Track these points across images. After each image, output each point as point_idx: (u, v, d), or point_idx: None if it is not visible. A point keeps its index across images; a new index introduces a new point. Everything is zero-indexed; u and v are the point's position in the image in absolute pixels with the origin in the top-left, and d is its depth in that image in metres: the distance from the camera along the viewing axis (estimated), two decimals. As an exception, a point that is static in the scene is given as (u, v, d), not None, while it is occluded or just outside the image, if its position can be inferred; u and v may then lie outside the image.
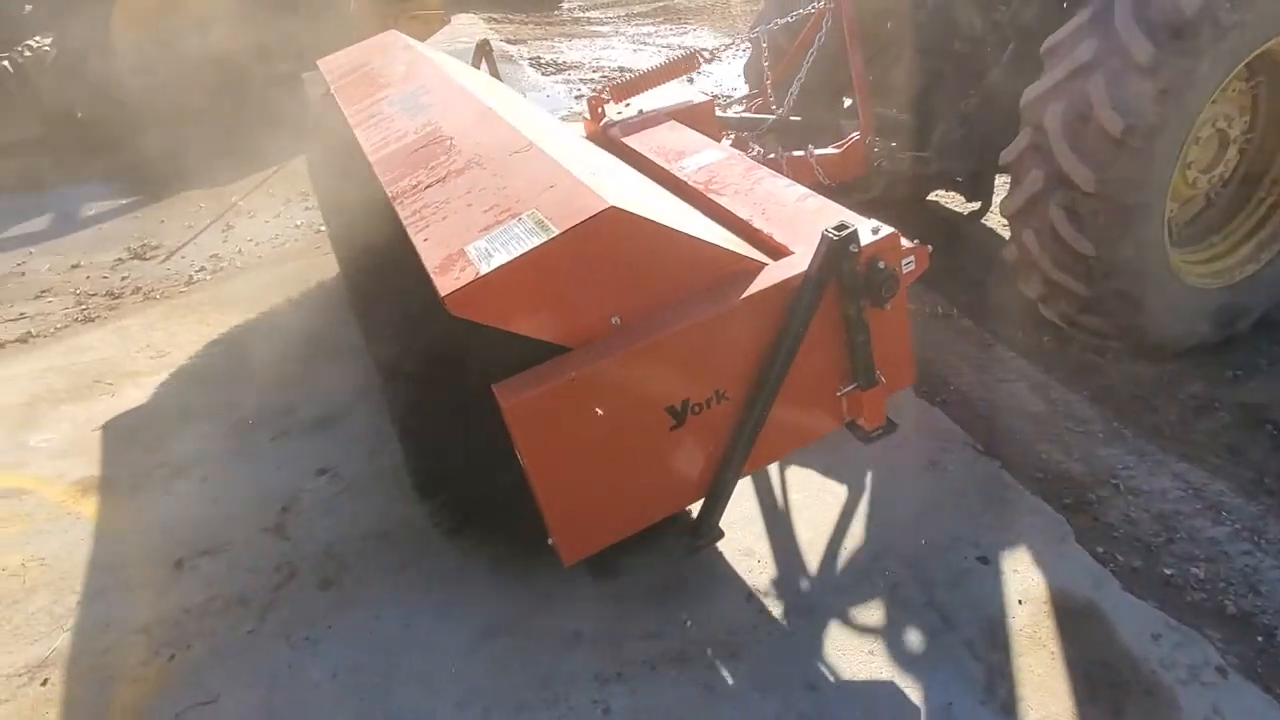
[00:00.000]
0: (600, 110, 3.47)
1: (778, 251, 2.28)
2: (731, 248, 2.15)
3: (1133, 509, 2.66)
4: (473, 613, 2.42)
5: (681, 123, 3.33)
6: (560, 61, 8.92)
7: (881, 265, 2.14)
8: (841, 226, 2.05)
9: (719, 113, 3.97)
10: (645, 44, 9.65)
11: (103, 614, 2.52)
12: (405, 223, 2.27)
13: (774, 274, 2.13)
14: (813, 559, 2.54)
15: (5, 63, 6.42)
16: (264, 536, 2.74)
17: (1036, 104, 3.04)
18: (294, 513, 2.85)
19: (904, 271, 2.23)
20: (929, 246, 2.30)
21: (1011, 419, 3.10)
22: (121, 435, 3.34)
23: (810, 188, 2.63)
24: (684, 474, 2.18)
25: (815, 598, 2.41)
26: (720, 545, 2.57)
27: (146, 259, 4.96)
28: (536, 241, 1.92)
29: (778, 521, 2.68)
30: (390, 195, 2.46)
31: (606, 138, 3.30)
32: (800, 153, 3.71)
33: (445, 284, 1.90)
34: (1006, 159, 3.16)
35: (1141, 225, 2.96)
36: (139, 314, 4.33)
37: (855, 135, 3.72)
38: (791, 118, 3.95)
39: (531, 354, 1.95)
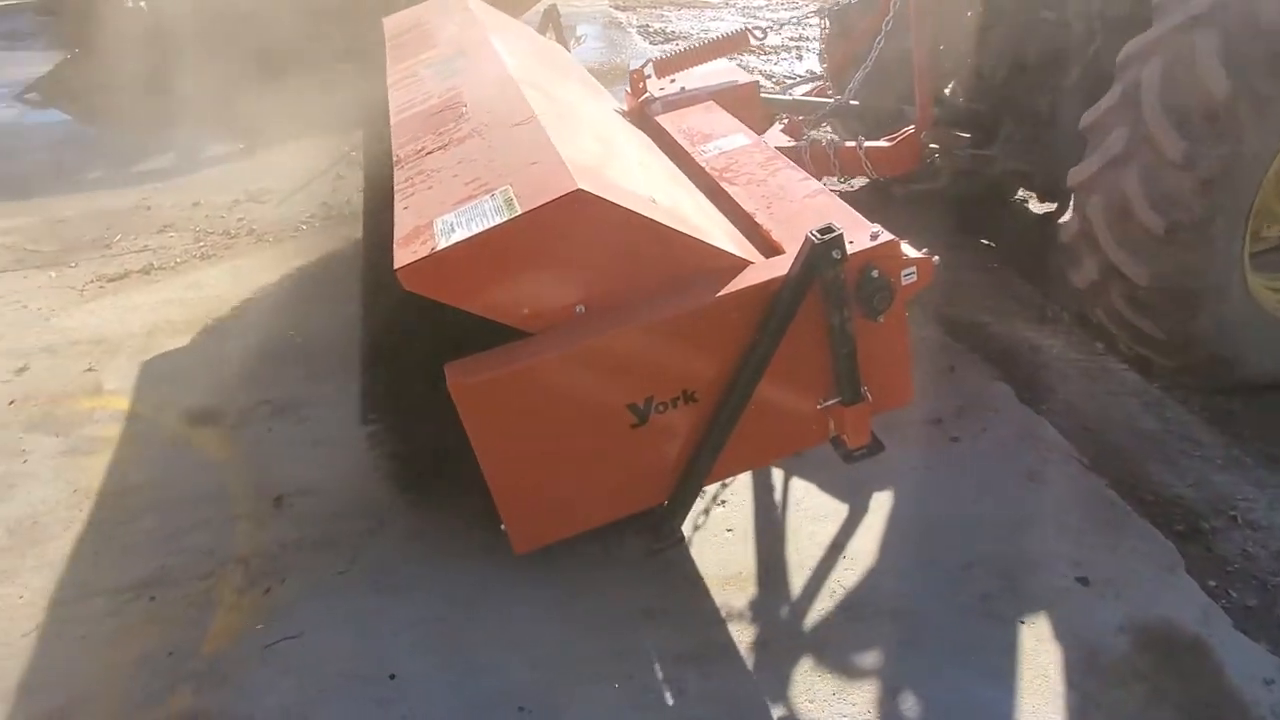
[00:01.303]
0: (641, 85, 3.38)
1: (772, 249, 2.16)
2: (713, 242, 2.03)
3: (1250, 543, 2.50)
4: (551, 579, 2.44)
5: (722, 103, 3.19)
6: (669, 30, 8.83)
7: (875, 274, 2.00)
8: (827, 229, 1.89)
9: (780, 95, 3.86)
10: (756, 16, 9.45)
11: (205, 542, 2.64)
12: (396, 189, 2.22)
13: (755, 274, 2.02)
14: (900, 560, 2.47)
15: (142, 3, 6.69)
16: (360, 482, 2.82)
17: (1080, 191, 2.89)
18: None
19: (903, 283, 2.07)
20: (935, 258, 2.14)
21: (1121, 435, 2.95)
22: (229, 371, 3.47)
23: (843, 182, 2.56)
24: (646, 474, 2.11)
25: (901, 601, 2.35)
26: (805, 537, 2.54)
27: (261, 202, 5.14)
28: (497, 220, 1.84)
29: (863, 519, 2.62)
30: (395, 160, 2.42)
31: (643, 115, 3.21)
32: (851, 143, 3.57)
33: (402, 257, 1.87)
34: (1064, 238, 3.02)
35: (1213, 258, 2.76)
36: (251, 255, 4.49)
37: (910, 128, 3.55)
38: (852, 102, 3.77)
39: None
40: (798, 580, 2.42)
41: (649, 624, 2.30)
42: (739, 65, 5.57)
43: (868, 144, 3.53)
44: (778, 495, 2.72)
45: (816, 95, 4.09)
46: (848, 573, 2.43)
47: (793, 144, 3.64)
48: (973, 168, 3.76)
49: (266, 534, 2.66)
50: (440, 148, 2.35)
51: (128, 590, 2.48)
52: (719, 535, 2.58)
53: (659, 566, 2.47)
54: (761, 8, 9.86)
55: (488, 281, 1.89)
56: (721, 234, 2.16)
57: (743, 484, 2.76)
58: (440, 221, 1.93)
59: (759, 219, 2.30)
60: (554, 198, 1.82)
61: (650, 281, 1.96)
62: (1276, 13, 2.56)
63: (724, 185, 2.51)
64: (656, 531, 2.24)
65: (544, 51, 3.62)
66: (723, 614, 2.32)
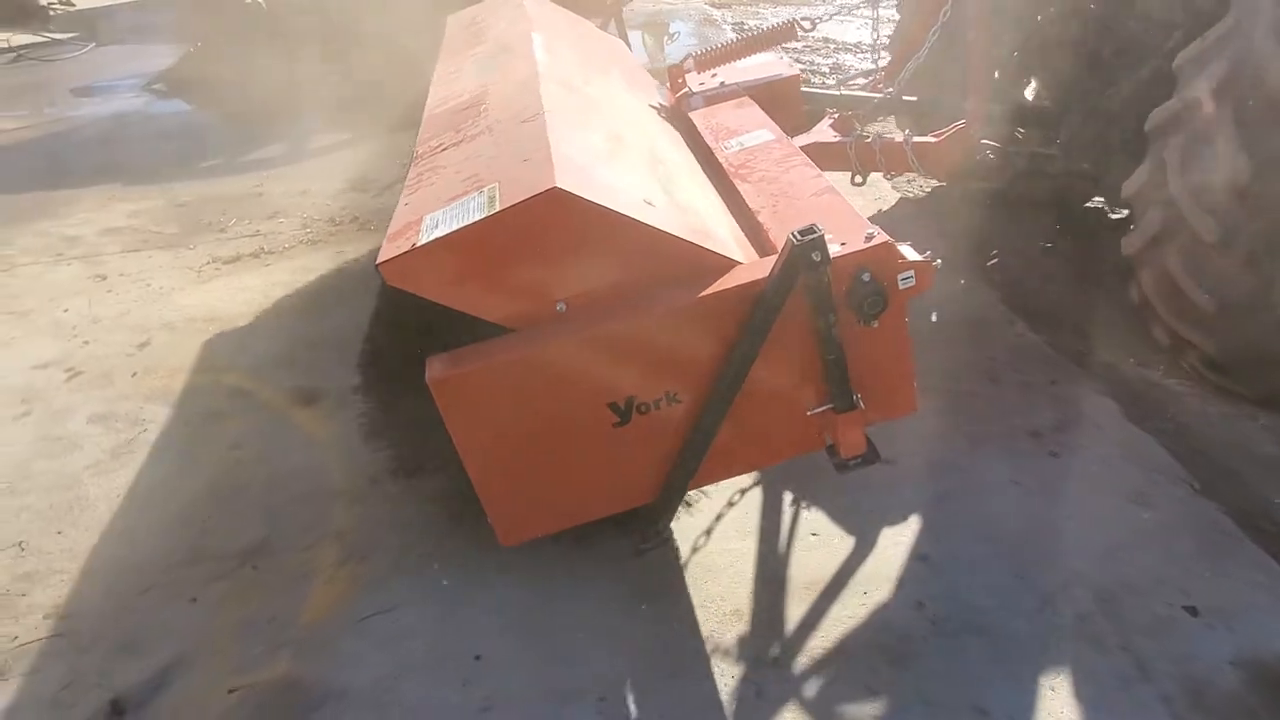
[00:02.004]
0: (681, 80, 3.32)
1: (768, 249, 2.10)
2: (700, 242, 1.97)
3: (1378, 581, 2.34)
4: (635, 576, 2.46)
5: (762, 98, 3.13)
6: (763, 28, 8.75)
7: (867, 278, 1.91)
8: (808, 230, 1.81)
9: (827, 90, 3.75)
10: (855, 15, 9.25)
11: (305, 516, 2.76)
12: (405, 184, 2.24)
13: (742, 274, 1.96)
14: (989, 575, 2.40)
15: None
16: (455, 466, 2.88)
17: (1134, 262, 2.86)
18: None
19: (900, 287, 1.96)
20: (937, 262, 2.01)
21: (1237, 459, 2.80)
22: (333, 352, 3.61)
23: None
24: (630, 474, 2.09)
25: (990, 616, 2.28)
26: (894, 545, 2.49)
27: (364, 191, 5.33)
28: (476, 217, 1.85)
29: (950, 530, 2.55)
30: (414, 155, 2.44)
31: (679, 111, 3.16)
32: (898, 138, 3.42)
33: (386, 251, 1.88)
34: (1134, 300, 2.94)
35: None
36: (355, 242, 4.66)
37: (961, 122, 3.37)
38: (905, 98, 3.61)
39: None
40: (881, 590, 2.37)
41: (736, 623, 2.30)
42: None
43: (915, 139, 3.38)
44: (860, 501, 2.68)
45: (872, 89, 3.94)
46: (932, 584, 2.38)
47: (837, 139, 3.53)
48: (1033, 168, 3.58)
49: (363, 511, 2.76)
50: (454, 144, 2.38)
51: (234, 557, 2.61)
52: (805, 539, 2.56)
53: (744, 569, 2.46)
54: (862, 5, 9.65)
55: (466, 278, 1.91)
56: (716, 234, 2.10)
57: (827, 488, 2.72)
58: (429, 218, 1.95)
59: (762, 218, 2.24)
60: (530, 195, 1.81)
61: (633, 281, 1.94)
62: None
63: (737, 182, 2.47)
64: (643, 532, 2.21)
65: (593, 48, 3.59)
66: (807, 619, 2.30)
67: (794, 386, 2.03)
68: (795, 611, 2.32)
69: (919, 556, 2.48)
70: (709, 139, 2.82)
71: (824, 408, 2.04)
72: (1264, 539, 2.47)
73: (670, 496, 2.12)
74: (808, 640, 2.24)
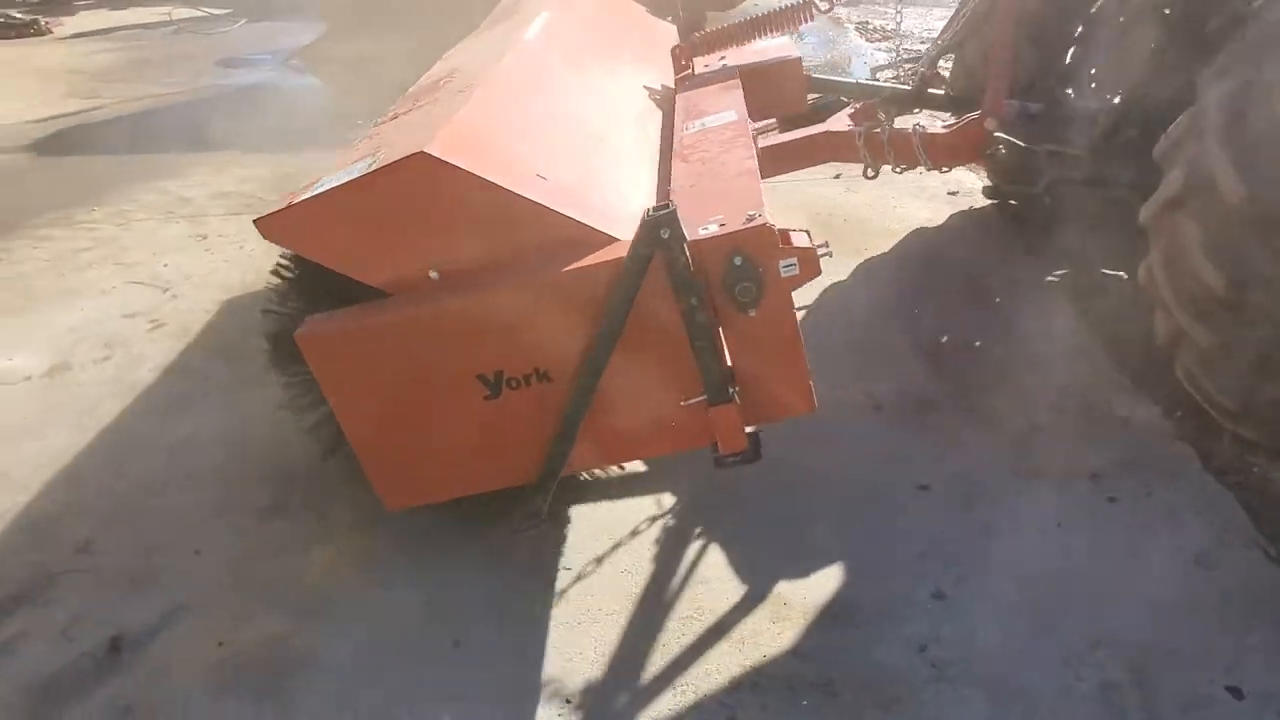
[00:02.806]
0: (685, 61, 3.22)
1: None
2: (576, 215, 1.88)
3: None
4: (628, 567, 2.39)
5: (759, 80, 3.06)
6: (888, 29, 8.41)
7: (739, 261, 1.79)
8: (662, 206, 1.74)
9: (841, 78, 3.48)
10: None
11: (332, 480, 2.82)
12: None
13: (614, 250, 1.86)
14: (1012, 623, 2.19)
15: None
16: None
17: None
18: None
19: (781, 274, 1.83)
20: (821, 251, 1.89)
21: (1331, 527, 2.45)
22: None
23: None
24: (507, 450, 2.06)
25: (1002, 668, 2.08)
26: (906, 575, 2.32)
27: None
28: (348, 178, 1.84)
29: (984, 568, 2.35)
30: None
31: (670, 93, 3.08)
32: (908, 128, 3.20)
33: (272, 208, 1.92)
34: None
35: None
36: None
37: (975, 114, 3.11)
38: (930, 90, 3.38)
39: None
40: (882, 623, 2.20)
41: (720, 641, 2.19)
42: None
43: (923, 130, 3.17)
44: (881, 526, 2.50)
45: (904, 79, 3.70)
46: (943, 624, 2.19)
47: (850, 129, 3.35)
48: (1058, 173, 3.27)
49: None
50: (403, 114, 2.39)
51: (253, 514, 2.70)
52: (808, 555, 2.41)
53: (752, 598, 2.34)
54: (1000, 4, 9.14)
55: (339, 238, 1.92)
56: (605, 211, 1.98)
57: (851, 501, 2.57)
58: (325, 179, 1.94)
59: (675, 196, 2.12)
60: (397, 159, 1.79)
61: (509, 253, 1.89)
62: (1238, 189, 2.20)
63: (676, 162, 2.38)
64: (522, 512, 2.13)
65: (617, 31, 3.51)
66: (796, 644, 2.17)
67: (666, 373, 1.94)
68: (788, 636, 2.19)
69: (934, 593, 2.29)
70: (679, 119, 2.74)
71: (698, 399, 1.94)
72: (1341, 621, 2.15)
73: (546, 478, 2.06)
74: (791, 667, 2.11)
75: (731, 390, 1.93)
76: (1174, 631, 2.14)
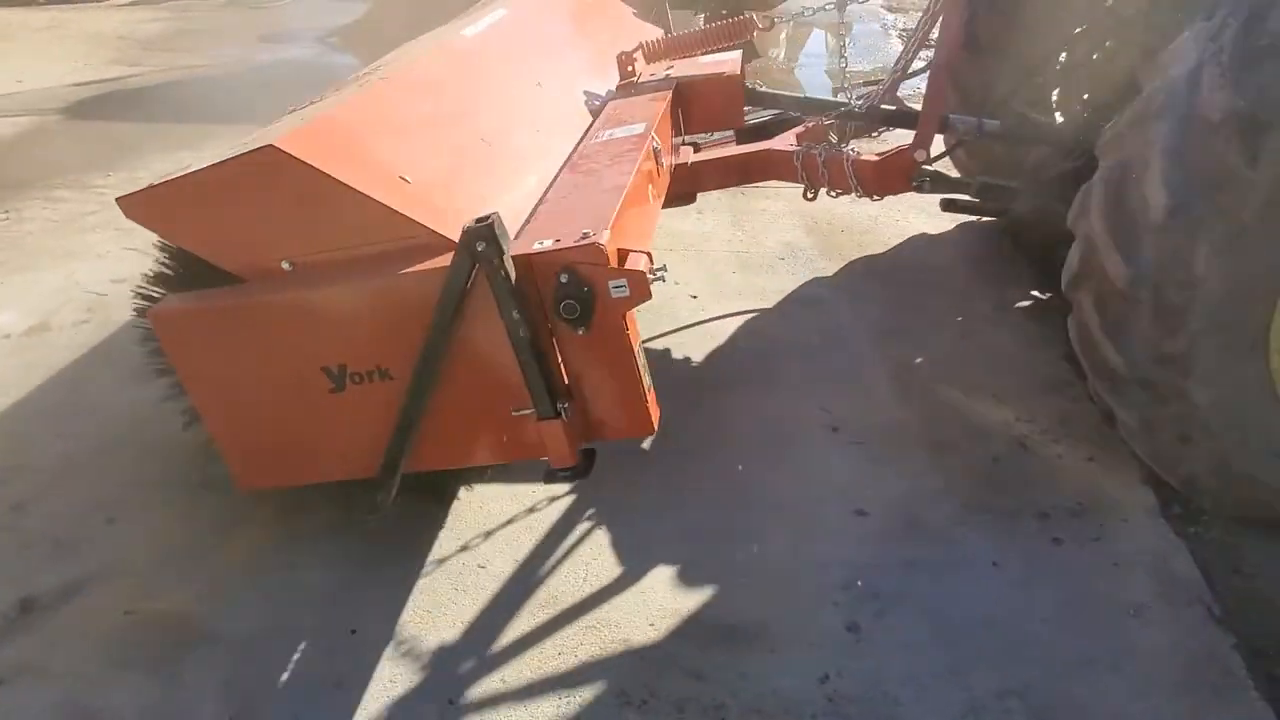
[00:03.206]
0: (629, 69, 3.21)
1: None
2: (421, 219, 1.88)
3: None
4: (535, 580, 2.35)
5: (694, 93, 3.09)
6: (934, 37, 8.19)
7: (565, 279, 1.80)
8: (484, 218, 1.77)
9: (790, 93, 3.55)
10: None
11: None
12: None
13: (445, 259, 1.86)
14: (922, 662, 2.09)
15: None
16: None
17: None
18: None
19: (612, 296, 1.83)
20: (657, 277, 1.87)
21: (1286, 591, 2.30)
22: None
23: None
24: (352, 442, 2.09)
25: (900, 709, 1.99)
26: (821, 604, 2.23)
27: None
28: (206, 165, 1.88)
29: (904, 603, 2.25)
30: None
31: (602, 100, 3.06)
32: (847, 152, 3.11)
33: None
34: None
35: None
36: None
37: (907, 143, 3.00)
38: (884, 106, 3.20)
39: None
40: (788, 649, 2.12)
41: (632, 666, 2.14)
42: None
43: (857, 156, 3.08)
44: (805, 547, 2.42)
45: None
46: (849, 658, 2.10)
47: (790, 148, 3.26)
48: (995, 202, 3.17)
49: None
50: (301, 108, 2.42)
51: (189, 489, 2.71)
52: (742, 573, 2.34)
53: (659, 610, 2.28)
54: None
55: (195, 223, 1.97)
56: (465, 217, 1.92)
57: (783, 521, 2.49)
58: (193, 165, 1.96)
59: (541, 207, 2.15)
60: (248, 150, 1.82)
61: (357, 250, 1.91)
62: (1122, 271, 2.14)
63: (565, 172, 2.40)
64: (364, 503, 2.15)
65: (580, 35, 3.54)
66: (702, 669, 2.10)
67: (498, 383, 1.95)
68: (684, 655, 2.12)
69: (849, 624, 2.20)
70: (596, 127, 2.74)
71: (527, 411, 1.95)
72: (1274, 691, 2.01)
73: (387, 474, 2.09)
74: (684, 688, 2.04)
75: (561, 405, 1.93)
76: (1091, 688, 2.03)
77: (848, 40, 3.12)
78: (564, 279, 1.82)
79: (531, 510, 2.60)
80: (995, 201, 3.18)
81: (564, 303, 1.83)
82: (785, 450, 2.84)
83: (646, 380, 1.99)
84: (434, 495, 2.60)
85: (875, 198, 3.16)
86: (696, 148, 3.69)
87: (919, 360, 3.30)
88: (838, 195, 3.24)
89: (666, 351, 3.43)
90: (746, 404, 3.08)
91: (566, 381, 1.97)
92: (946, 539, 2.47)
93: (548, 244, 1.86)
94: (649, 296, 1.86)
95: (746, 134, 3.50)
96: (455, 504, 2.64)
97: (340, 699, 2.03)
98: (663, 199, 2.74)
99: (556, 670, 2.09)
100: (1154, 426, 2.29)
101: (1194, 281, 2.05)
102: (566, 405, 1.95)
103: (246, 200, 1.89)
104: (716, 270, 4.10)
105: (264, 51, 8.61)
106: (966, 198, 3.23)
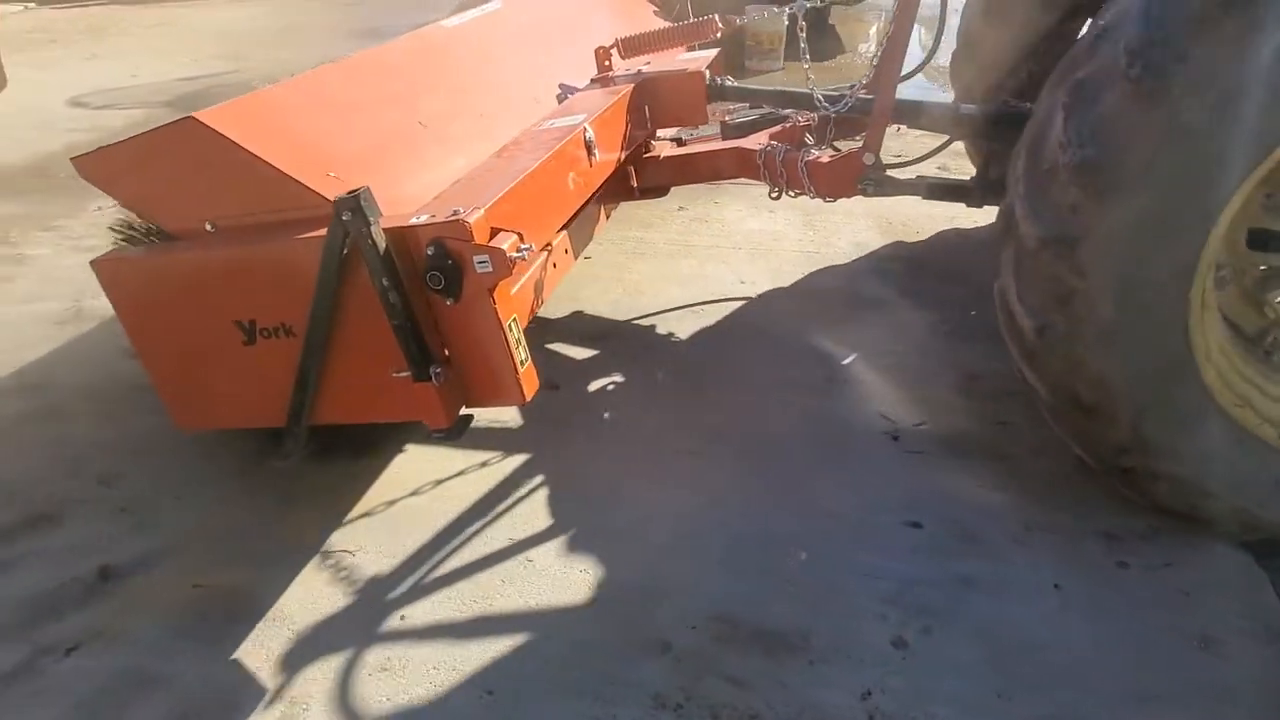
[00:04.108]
0: (606, 63, 3.39)
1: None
2: (319, 189, 2.06)
3: None
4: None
5: (661, 91, 3.26)
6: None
7: (432, 251, 1.98)
8: (352, 191, 1.93)
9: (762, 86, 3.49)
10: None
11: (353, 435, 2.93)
12: None
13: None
14: (970, 685, 2.02)
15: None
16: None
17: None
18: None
19: (477, 270, 1.99)
20: (515, 255, 1.98)
21: (1385, 631, 2.14)
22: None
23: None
24: (264, 393, 2.27)
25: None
26: (871, 619, 2.18)
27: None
28: (143, 133, 2.12)
29: (957, 622, 2.18)
30: None
31: (569, 91, 3.29)
32: (806, 152, 3.09)
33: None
34: None
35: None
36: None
37: (858, 144, 2.95)
38: (862, 95, 3.06)
39: None
40: (833, 662, 2.09)
41: (670, 669, 2.14)
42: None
43: (811, 157, 3.03)
44: (858, 558, 2.37)
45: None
46: (895, 675, 2.05)
47: (757, 148, 3.23)
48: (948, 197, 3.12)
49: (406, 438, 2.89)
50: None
51: (250, 468, 2.83)
52: (788, 582, 2.31)
53: (702, 614, 2.27)
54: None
55: (135, 183, 2.23)
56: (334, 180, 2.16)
57: (815, 540, 2.44)
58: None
59: (451, 187, 2.32)
60: (176, 121, 2.06)
61: (266, 215, 2.13)
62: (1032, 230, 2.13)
63: (491, 156, 2.58)
64: (277, 451, 2.38)
65: (577, 26, 3.74)
66: (740, 675, 2.08)
67: (380, 346, 2.10)
68: (725, 661, 2.11)
69: (895, 639, 2.15)
70: (544, 119, 2.91)
71: (404, 374, 2.11)
72: (1356, 740, 1.88)
73: (292, 425, 2.29)
74: (719, 692, 2.02)
75: (434, 370, 2.10)
76: (1158, 717, 1.93)
77: (804, 36, 3.04)
78: (431, 251, 1.98)
79: (576, 508, 2.62)
80: (947, 200, 3.15)
81: (430, 273, 1.99)
82: (839, 455, 2.78)
83: (520, 353, 2.15)
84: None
85: (828, 199, 3.14)
86: (681, 142, 3.78)
87: (986, 369, 3.19)
88: (795, 195, 3.22)
89: (724, 351, 3.40)
90: (803, 406, 3.03)
91: (446, 350, 2.16)
92: (1005, 557, 2.38)
93: (423, 218, 2.03)
94: (509, 274, 2.01)
95: (732, 132, 3.53)
96: (512, 502, 2.68)
97: (386, 683, 2.09)
98: (594, 187, 2.91)
99: (592, 669, 2.10)
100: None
101: None
102: (439, 370, 2.11)
103: (175, 166, 2.15)
104: (784, 270, 4.05)
105: (352, 48, 8.88)
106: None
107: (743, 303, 3.78)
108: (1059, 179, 2.02)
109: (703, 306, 3.75)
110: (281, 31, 10.03)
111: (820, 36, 8.85)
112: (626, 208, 4.80)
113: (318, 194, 2.04)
